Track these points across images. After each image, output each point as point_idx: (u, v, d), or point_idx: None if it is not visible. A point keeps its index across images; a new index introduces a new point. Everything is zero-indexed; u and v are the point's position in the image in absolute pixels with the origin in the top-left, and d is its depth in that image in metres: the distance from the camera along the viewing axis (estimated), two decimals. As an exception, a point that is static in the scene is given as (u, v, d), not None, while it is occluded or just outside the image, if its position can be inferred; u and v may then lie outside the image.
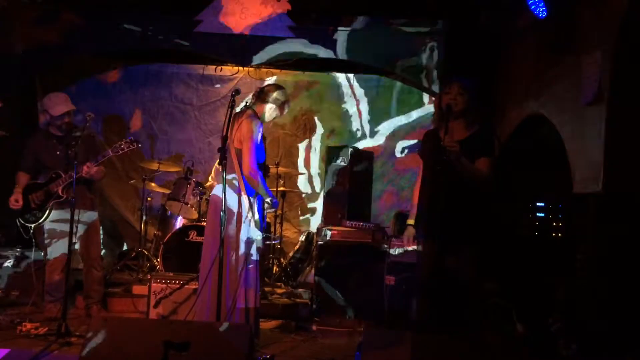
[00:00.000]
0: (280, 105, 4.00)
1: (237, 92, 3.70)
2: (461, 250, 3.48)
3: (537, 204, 5.01)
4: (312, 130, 6.93)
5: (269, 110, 3.97)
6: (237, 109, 3.88)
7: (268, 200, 3.74)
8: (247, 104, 3.96)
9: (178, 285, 4.48)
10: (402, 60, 6.20)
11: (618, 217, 3.90)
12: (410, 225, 3.83)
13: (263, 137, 4.61)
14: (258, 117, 3.90)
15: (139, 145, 4.70)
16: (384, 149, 6.88)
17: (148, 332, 2.99)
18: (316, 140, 6.91)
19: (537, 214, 5.00)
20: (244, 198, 3.73)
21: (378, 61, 6.32)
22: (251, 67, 6.59)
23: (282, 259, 6.27)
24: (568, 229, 4.76)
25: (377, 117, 6.90)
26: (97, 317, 3.02)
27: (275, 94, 3.96)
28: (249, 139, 3.74)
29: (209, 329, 3.02)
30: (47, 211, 4.70)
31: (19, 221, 4.72)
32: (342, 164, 5.72)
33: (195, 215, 5.67)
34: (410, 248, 3.99)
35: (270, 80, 6.66)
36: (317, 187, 6.89)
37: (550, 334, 4.20)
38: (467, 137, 3.54)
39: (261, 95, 3.96)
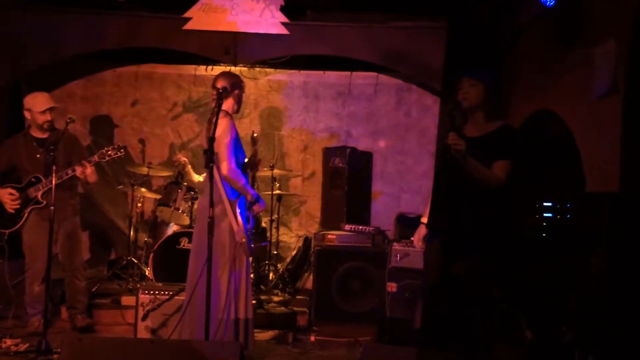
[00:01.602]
0: (241, 89, 3.89)
1: (224, 89, 3.53)
2: (468, 254, 3.22)
3: (545, 204, 4.77)
4: (308, 130, 6.68)
5: (235, 99, 3.84)
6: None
7: (252, 200, 3.53)
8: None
9: (167, 297, 4.24)
10: (402, 57, 5.96)
11: (635, 218, 3.64)
12: (423, 224, 3.59)
13: (255, 139, 4.38)
14: (229, 113, 3.73)
15: (123, 152, 4.50)
16: (383, 148, 6.62)
17: (128, 353, 2.75)
18: (313, 141, 6.66)
19: (545, 215, 4.76)
20: (226, 201, 3.51)
21: (377, 58, 6.06)
22: (244, 66, 6.36)
23: (278, 265, 6.02)
24: (579, 230, 4.52)
25: (376, 116, 6.65)
26: (71, 336, 2.77)
27: (232, 82, 3.81)
28: (222, 138, 3.55)
29: (194, 349, 2.77)
30: (25, 217, 4.45)
31: None
32: (340, 165, 5.51)
33: (186, 221, 5.45)
34: (419, 248, 3.76)
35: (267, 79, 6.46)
36: (315, 190, 6.62)
37: (563, 343, 3.97)
38: (482, 135, 3.24)
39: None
